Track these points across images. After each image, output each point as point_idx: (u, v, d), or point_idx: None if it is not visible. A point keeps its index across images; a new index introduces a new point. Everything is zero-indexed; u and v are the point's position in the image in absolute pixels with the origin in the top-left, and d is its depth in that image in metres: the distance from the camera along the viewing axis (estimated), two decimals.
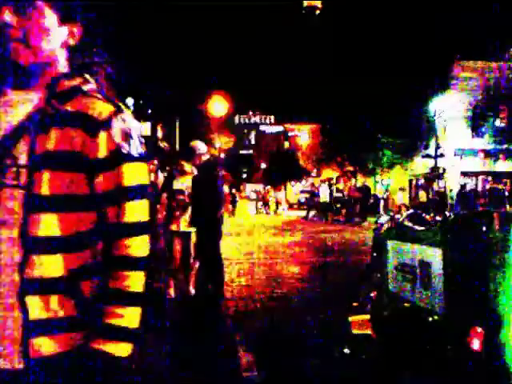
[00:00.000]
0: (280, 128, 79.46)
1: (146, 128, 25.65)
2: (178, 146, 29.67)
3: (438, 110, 26.00)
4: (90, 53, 1.57)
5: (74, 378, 1.21)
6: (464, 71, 29.54)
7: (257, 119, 79.28)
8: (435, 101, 26.51)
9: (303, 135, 78.70)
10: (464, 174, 29.91)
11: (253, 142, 78.74)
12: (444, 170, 27.91)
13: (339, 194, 24.44)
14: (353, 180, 33.30)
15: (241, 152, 69.48)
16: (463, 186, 24.06)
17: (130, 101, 22.97)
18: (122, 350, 1.24)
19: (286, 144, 77.06)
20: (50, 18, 1.27)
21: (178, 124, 29.32)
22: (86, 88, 1.35)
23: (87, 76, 1.43)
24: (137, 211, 1.27)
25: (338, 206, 23.34)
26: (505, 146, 29.14)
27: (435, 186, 26.10)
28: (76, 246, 1.23)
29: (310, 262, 9.34)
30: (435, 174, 25.98)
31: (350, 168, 42.08)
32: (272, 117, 79.53)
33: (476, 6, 27.87)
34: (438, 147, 24.90)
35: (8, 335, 1.17)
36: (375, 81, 30.01)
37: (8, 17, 1.20)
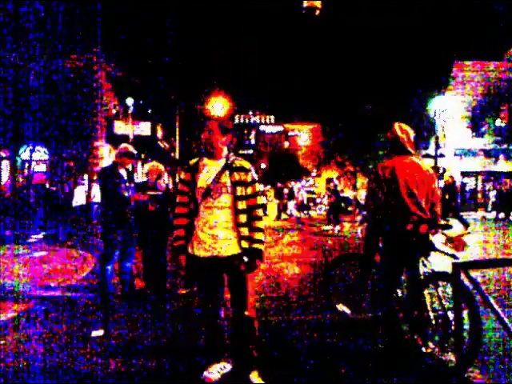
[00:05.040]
0: (280, 128, 79.40)
1: (146, 128, 25.62)
2: (177, 146, 29.65)
3: (437, 109, 25.98)
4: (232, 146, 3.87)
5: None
6: (464, 71, 29.54)
7: (257, 119, 79.26)
8: (435, 101, 26.50)
9: (303, 135, 78.70)
10: (464, 173, 29.93)
11: (253, 142, 78.74)
12: (444, 169, 27.91)
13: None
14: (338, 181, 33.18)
15: (241, 152, 69.50)
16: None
17: (129, 101, 22.95)
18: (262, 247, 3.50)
19: (286, 144, 77.02)
20: (219, 135, 3.58)
21: (177, 124, 29.30)
22: (234, 157, 3.62)
23: (231, 152, 3.63)
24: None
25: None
26: (505, 146, 29.15)
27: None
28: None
29: (311, 261, 9.35)
30: (435, 175, 25.97)
31: (350, 168, 42.10)
32: (272, 117, 79.51)
33: (476, 6, 27.86)
34: (438, 147, 24.89)
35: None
36: (375, 81, 30.00)
37: (207, 137, 3.59)
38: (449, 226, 4.21)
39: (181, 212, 3.59)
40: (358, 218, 22.95)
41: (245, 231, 3.49)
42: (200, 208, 3.49)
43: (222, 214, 3.47)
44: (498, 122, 29.73)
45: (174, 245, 3.61)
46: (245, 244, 3.48)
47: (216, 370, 3.56)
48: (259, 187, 3.65)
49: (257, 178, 3.64)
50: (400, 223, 3.85)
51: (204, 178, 3.51)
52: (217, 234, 3.45)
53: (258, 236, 3.51)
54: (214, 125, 3.57)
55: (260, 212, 3.57)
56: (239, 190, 3.48)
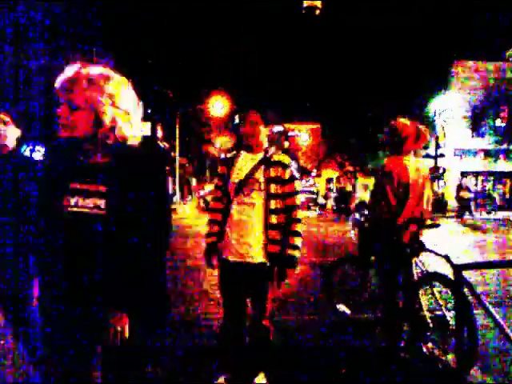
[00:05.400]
0: (280, 128, 79.44)
1: (146, 128, 25.62)
2: (177, 146, 29.64)
3: (437, 109, 25.98)
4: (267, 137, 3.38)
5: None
6: (464, 71, 29.54)
7: None
8: (435, 101, 26.51)
9: (303, 135, 78.69)
10: (464, 174, 29.94)
11: None
12: (444, 169, 27.91)
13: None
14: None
15: None
16: None
17: None
18: (297, 253, 3.18)
19: (286, 144, 77.04)
20: (261, 126, 3.28)
21: (177, 124, 29.30)
22: (273, 150, 3.33)
23: (272, 146, 3.36)
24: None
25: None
26: (505, 146, 29.15)
27: (435, 186, 26.11)
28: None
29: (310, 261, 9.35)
30: (436, 175, 25.99)
31: (350, 168, 42.10)
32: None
33: (476, 6, 27.85)
34: (438, 147, 24.89)
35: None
36: (375, 81, 29.99)
37: (248, 130, 3.27)
38: (436, 225, 4.13)
39: (215, 207, 3.33)
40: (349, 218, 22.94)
41: (275, 234, 3.14)
42: (232, 205, 3.19)
43: (252, 213, 3.15)
44: (498, 122, 29.73)
45: (206, 242, 3.32)
46: (273, 249, 3.13)
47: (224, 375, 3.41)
48: (299, 186, 3.29)
49: (297, 176, 3.30)
50: (391, 223, 3.85)
51: (238, 173, 3.23)
52: (246, 236, 3.14)
53: (295, 241, 3.16)
54: (257, 116, 3.26)
55: (299, 213, 3.20)
56: (273, 188, 3.16)
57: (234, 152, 3.39)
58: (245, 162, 3.26)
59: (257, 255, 3.14)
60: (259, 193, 3.15)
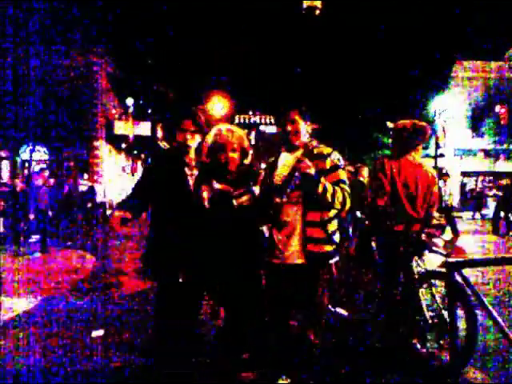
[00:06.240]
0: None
1: (146, 128, 25.62)
2: None
3: (438, 109, 25.99)
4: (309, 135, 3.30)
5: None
6: (464, 71, 29.53)
7: (257, 119, 79.27)
8: (435, 101, 26.50)
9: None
10: (464, 173, 29.91)
11: (253, 142, 78.75)
12: (444, 169, 27.87)
13: None
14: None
15: None
16: None
17: (129, 101, 22.94)
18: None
19: None
20: (302, 123, 3.20)
21: None
22: (315, 143, 3.24)
23: (313, 139, 3.27)
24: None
25: None
26: (505, 146, 29.13)
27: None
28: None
29: None
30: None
31: (350, 168, 42.07)
32: (272, 117, 79.49)
33: (476, 6, 27.85)
34: (438, 147, 24.88)
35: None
36: (375, 81, 29.99)
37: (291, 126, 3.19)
38: (442, 226, 4.14)
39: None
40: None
41: (314, 232, 3.01)
42: (275, 207, 3.07)
43: (293, 212, 3.04)
44: (498, 122, 29.71)
45: None
46: (312, 247, 3.01)
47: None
48: (343, 174, 3.11)
49: (341, 164, 3.14)
50: (394, 223, 3.85)
51: (281, 173, 3.14)
52: (286, 237, 3.05)
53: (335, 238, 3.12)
54: (296, 114, 3.17)
55: (347, 202, 3.04)
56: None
57: (274, 157, 3.32)
58: (285, 162, 3.17)
59: (294, 257, 3.05)
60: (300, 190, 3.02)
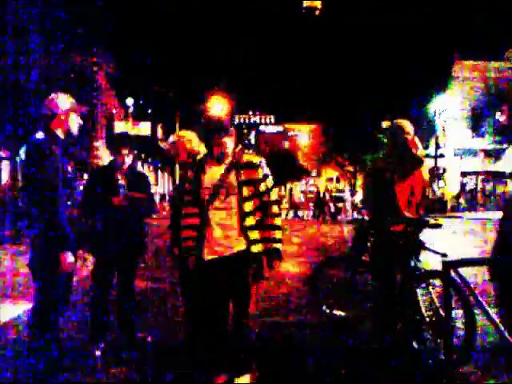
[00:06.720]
0: (280, 128, 79.41)
1: (146, 128, 25.63)
2: None
3: (437, 109, 26.01)
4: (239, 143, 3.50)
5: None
6: (464, 71, 29.55)
7: (257, 119, 79.24)
8: (435, 101, 26.52)
9: (303, 135, 78.69)
10: (464, 173, 29.93)
11: (253, 142, 78.73)
12: (444, 169, 27.91)
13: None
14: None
15: None
16: None
17: (129, 101, 22.96)
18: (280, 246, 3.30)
19: (286, 144, 77.06)
20: (231, 140, 3.31)
21: (177, 124, 29.31)
22: (240, 151, 3.33)
23: (239, 145, 3.39)
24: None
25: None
26: (505, 146, 29.15)
27: (435, 186, 26.11)
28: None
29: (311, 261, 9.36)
30: (435, 174, 25.99)
31: (350, 168, 42.12)
32: (272, 117, 79.48)
33: (476, 6, 27.87)
34: (438, 147, 24.90)
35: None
36: (375, 81, 30.00)
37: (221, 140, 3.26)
38: (438, 225, 4.10)
39: (190, 212, 3.32)
40: (342, 216, 22.93)
41: (254, 235, 3.21)
42: (207, 209, 3.22)
43: (228, 216, 3.22)
44: (498, 122, 29.72)
45: (183, 246, 3.34)
46: (256, 248, 3.20)
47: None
48: (271, 181, 3.33)
49: (269, 173, 3.35)
50: (391, 223, 3.87)
51: (210, 178, 3.25)
52: (222, 237, 3.20)
53: (276, 234, 3.26)
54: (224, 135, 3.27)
55: (275, 208, 3.29)
56: (246, 191, 3.21)
57: (201, 157, 3.44)
58: (213, 168, 3.28)
59: (234, 247, 3.20)
60: (234, 196, 3.21)
